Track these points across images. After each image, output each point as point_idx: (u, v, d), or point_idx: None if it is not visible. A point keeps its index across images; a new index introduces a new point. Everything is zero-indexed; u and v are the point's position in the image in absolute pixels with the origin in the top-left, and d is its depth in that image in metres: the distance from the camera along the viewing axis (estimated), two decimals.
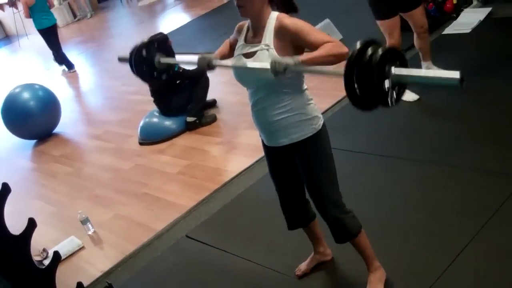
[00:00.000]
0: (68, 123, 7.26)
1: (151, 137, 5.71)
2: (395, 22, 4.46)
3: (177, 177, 4.86)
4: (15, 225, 3.88)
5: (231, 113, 5.66)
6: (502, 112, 4.04)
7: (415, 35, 4.65)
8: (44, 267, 3.56)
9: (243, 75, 2.57)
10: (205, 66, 2.68)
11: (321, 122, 2.59)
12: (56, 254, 3.95)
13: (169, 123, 5.70)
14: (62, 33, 15.37)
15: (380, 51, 1.85)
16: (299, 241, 3.12)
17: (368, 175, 3.89)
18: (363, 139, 4.37)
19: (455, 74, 1.76)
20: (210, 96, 5.86)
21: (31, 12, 9.81)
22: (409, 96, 4.61)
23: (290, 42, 2.40)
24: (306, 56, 2.29)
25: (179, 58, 3.16)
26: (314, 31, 2.38)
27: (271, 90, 2.49)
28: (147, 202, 4.63)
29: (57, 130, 7.04)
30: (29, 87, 6.97)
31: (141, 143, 5.78)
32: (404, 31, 4.59)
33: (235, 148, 5.04)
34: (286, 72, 2.23)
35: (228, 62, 2.71)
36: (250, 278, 3.30)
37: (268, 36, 2.44)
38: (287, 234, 3.07)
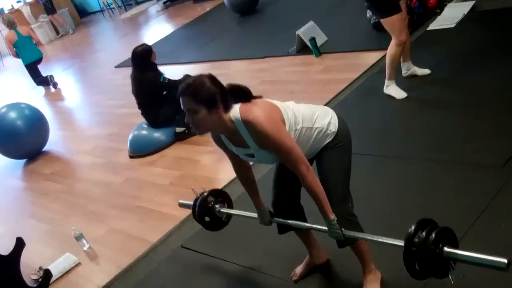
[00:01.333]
0: (56, 140, 7.24)
1: (141, 150, 5.70)
2: (402, 16, 4.41)
3: (169, 188, 4.86)
4: (9, 246, 3.88)
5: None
6: (490, 105, 4.06)
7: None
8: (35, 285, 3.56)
9: (259, 161, 2.68)
10: (267, 223, 2.95)
11: (334, 120, 2.64)
12: (47, 272, 3.94)
13: (158, 134, 5.69)
14: (46, 51, 15.34)
15: (434, 234, 2.14)
16: (295, 245, 3.12)
17: (359, 173, 3.87)
18: (353, 139, 4.37)
19: (502, 260, 1.97)
20: None
21: (16, 48, 10.03)
22: (398, 92, 4.63)
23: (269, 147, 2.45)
24: (323, 212, 2.51)
25: (237, 211, 3.33)
26: (283, 152, 2.41)
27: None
28: (141, 214, 4.62)
29: (46, 148, 7.01)
30: (15, 106, 6.94)
31: (131, 156, 5.77)
32: (381, 32, 4.58)
33: (226, 156, 5.03)
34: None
35: (288, 221, 2.85)
36: (248, 284, 3.30)
37: (250, 142, 2.45)
38: (282, 239, 3.07)
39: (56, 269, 4.15)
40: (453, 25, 5.58)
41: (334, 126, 2.61)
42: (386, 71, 4.65)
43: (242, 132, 2.42)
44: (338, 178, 2.66)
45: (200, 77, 2.40)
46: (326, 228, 2.57)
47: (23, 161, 6.94)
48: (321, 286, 3.08)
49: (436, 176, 3.53)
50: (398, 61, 4.61)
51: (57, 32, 16.63)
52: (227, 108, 2.40)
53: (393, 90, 4.66)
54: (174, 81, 5.60)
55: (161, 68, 5.73)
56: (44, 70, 10.98)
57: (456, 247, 2.17)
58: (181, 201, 3.64)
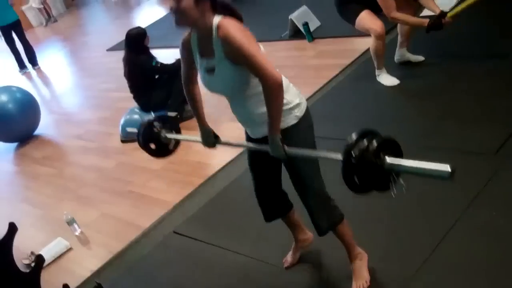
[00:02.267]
0: (48, 124, 7.21)
1: (133, 134, 5.67)
2: (368, 12, 4.47)
3: (161, 173, 4.85)
4: (2, 230, 3.86)
5: (212, 106, 5.60)
6: (482, 92, 4.07)
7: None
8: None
9: (212, 88, 2.52)
10: (211, 145, 2.86)
11: (303, 107, 2.54)
12: (39, 257, 3.93)
13: (150, 118, 5.65)
14: (37, 34, 15.23)
15: (375, 143, 2.01)
16: (287, 231, 3.12)
17: None
18: (345, 126, 4.38)
19: (446, 168, 1.91)
20: None
21: None
22: (390, 80, 4.63)
23: (235, 55, 2.29)
24: (272, 127, 2.35)
25: (183, 136, 3.28)
26: (252, 59, 2.25)
27: (241, 93, 2.45)
28: (133, 199, 4.61)
29: (37, 131, 6.98)
30: (6, 89, 6.89)
31: (123, 141, 5.75)
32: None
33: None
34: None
35: (232, 141, 2.81)
36: (239, 270, 3.30)
37: (217, 50, 2.32)
38: (274, 225, 3.07)
39: (47, 254, 4.14)
40: (447, 10, 5.55)
41: (300, 111, 2.52)
42: (374, 63, 4.67)
43: (214, 38, 2.30)
44: (309, 166, 2.60)
45: None
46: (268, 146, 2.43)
47: (14, 144, 6.91)
48: (312, 272, 3.09)
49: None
50: (382, 52, 4.59)
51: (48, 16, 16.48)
52: (213, 10, 2.31)
53: (384, 78, 4.67)
54: (166, 65, 5.58)
55: (153, 52, 5.70)
56: (37, 52, 10.91)
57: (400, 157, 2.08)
58: (128, 129, 3.49)
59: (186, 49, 2.53)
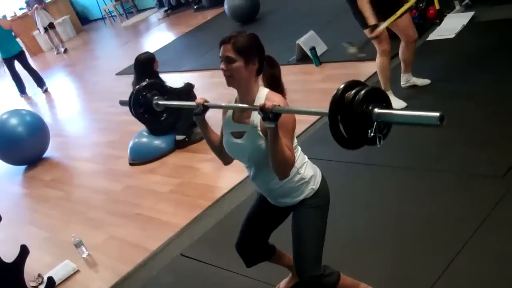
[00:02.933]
0: (57, 147, 7.24)
1: (141, 157, 5.71)
2: (381, 29, 4.48)
3: (169, 196, 4.86)
4: (9, 252, 3.88)
5: (220, 129, 5.67)
6: (488, 115, 4.08)
7: (402, 44, 4.69)
8: None
9: (235, 153, 2.58)
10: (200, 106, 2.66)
11: (319, 179, 2.58)
12: (50, 279, 3.94)
13: (158, 142, 5.70)
14: (47, 58, 15.39)
15: (362, 93, 1.91)
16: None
17: (359, 184, 3.91)
18: None
19: (435, 114, 1.80)
20: None
21: None
22: (397, 103, 4.64)
23: None
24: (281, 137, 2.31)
25: (176, 102, 3.20)
26: (288, 134, 2.37)
27: (263, 164, 2.48)
28: (140, 222, 4.62)
29: (46, 154, 7.01)
30: (16, 112, 6.95)
31: (131, 164, 5.77)
32: (392, 39, 4.63)
33: (226, 165, 5.04)
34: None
35: (222, 104, 2.70)
36: None
37: (255, 117, 2.40)
38: (280, 247, 3.07)
39: (55, 276, 4.15)
40: (452, 36, 5.61)
41: (316, 184, 2.56)
42: (381, 84, 4.70)
43: (259, 100, 2.40)
44: (312, 239, 2.58)
45: (247, 33, 2.45)
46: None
47: (23, 167, 6.94)
48: None
49: (436, 186, 3.53)
50: (388, 71, 4.63)
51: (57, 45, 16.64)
52: (259, 72, 2.46)
53: (391, 101, 4.67)
54: (175, 89, 5.62)
55: (162, 76, 5.75)
56: (45, 76, 11.03)
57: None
58: (120, 99, 3.34)
59: (223, 112, 2.64)
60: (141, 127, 5.88)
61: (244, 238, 2.87)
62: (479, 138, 3.86)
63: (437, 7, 6.20)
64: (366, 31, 4.49)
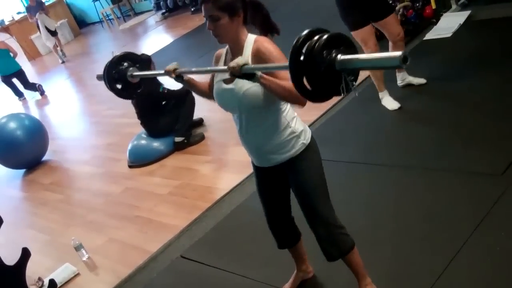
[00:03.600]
0: (56, 150, 7.24)
1: (140, 160, 5.71)
2: (368, 31, 4.50)
3: (168, 198, 4.86)
4: (8, 256, 3.88)
5: (218, 131, 5.68)
6: (486, 114, 4.08)
7: (390, 45, 4.69)
8: None
9: (225, 101, 2.54)
10: (171, 75, 2.68)
11: (309, 135, 2.59)
12: (52, 282, 3.94)
13: (157, 144, 5.70)
14: (45, 62, 15.40)
15: (323, 39, 1.83)
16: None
17: (359, 184, 3.91)
18: (351, 149, 4.40)
19: (397, 53, 1.67)
20: (196, 115, 5.88)
21: None
22: (393, 104, 4.66)
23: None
24: (269, 78, 2.28)
25: (150, 72, 3.12)
26: (281, 61, 2.35)
27: (253, 113, 2.48)
28: (140, 224, 4.62)
29: (45, 158, 7.02)
30: (15, 116, 6.96)
31: (130, 166, 5.77)
32: (380, 40, 4.64)
33: (225, 165, 5.06)
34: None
35: (193, 69, 2.77)
36: None
37: (248, 57, 2.42)
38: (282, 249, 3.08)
39: (55, 279, 4.14)
40: (449, 35, 5.61)
41: (306, 139, 2.57)
42: (375, 85, 4.72)
43: (247, 47, 2.44)
44: (317, 188, 2.60)
45: None
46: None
47: (22, 171, 6.95)
48: None
49: (435, 184, 3.54)
50: (378, 72, 4.63)
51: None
52: (246, 19, 2.46)
53: (386, 101, 4.71)
54: (173, 91, 5.63)
55: (160, 79, 5.75)
56: (43, 80, 11.04)
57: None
58: (97, 74, 3.21)
59: (216, 61, 2.66)
60: (139, 129, 5.89)
61: (267, 211, 2.88)
62: (477, 136, 3.86)
63: (434, 6, 6.21)
64: (354, 33, 4.51)
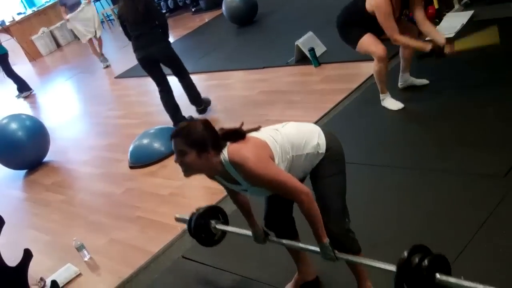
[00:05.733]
0: (57, 151, 7.24)
1: (141, 160, 5.71)
2: (369, 37, 4.52)
3: (169, 199, 4.86)
4: (10, 256, 3.88)
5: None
6: (489, 115, 4.08)
7: (401, 50, 4.72)
8: None
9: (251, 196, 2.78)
10: (261, 242, 3.03)
11: (323, 142, 2.63)
12: (54, 283, 3.94)
13: (158, 145, 5.70)
14: (46, 62, 15.39)
15: (426, 262, 2.15)
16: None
17: (360, 184, 3.90)
18: (352, 149, 4.38)
19: None
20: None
21: None
22: (395, 104, 4.66)
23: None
24: (317, 236, 2.53)
25: (232, 228, 3.36)
26: (279, 186, 2.44)
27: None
28: (141, 225, 4.62)
29: (46, 158, 7.01)
30: (16, 117, 6.95)
31: (131, 167, 5.78)
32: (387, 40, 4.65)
33: None
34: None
35: (282, 241, 2.92)
36: None
37: (242, 181, 2.51)
38: (282, 249, 3.07)
39: (57, 279, 4.14)
40: (452, 35, 5.60)
41: (322, 147, 2.62)
42: (378, 87, 4.72)
43: (232, 173, 2.48)
44: (335, 194, 2.66)
45: (194, 122, 2.49)
46: (319, 250, 2.60)
47: (23, 171, 6.95)
48: None
49: (437, 186, 3.54)
50: (384, 76, 4.64)
51: (58, 45, 16.65)
52: (218, 152, 2.47)
53: (388, 102, 4.70)
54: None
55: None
56: (46, 81, 11.04)
57: (449, 274, 2.21)
58: (177, 215, 3.66)
59: (214, 180, 2.74)
60: (140, 130, 5.90)
61: (269, 209, 2.95)
62: (480, 138, 3.86)
63: (436, 6, 6.21)
64: (358, 48, 4.57)
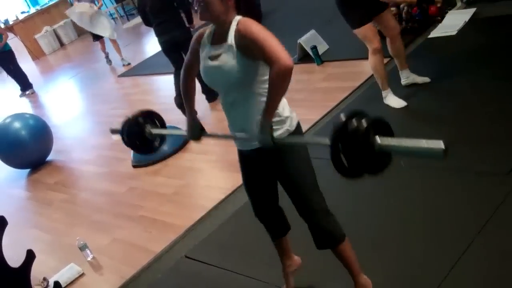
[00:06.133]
0: (60, 150, 7.25)
1: (144, 160, 5.70)
2: (370, 28, 4.50)
3: (172, 198, 4.86)
4: (13, 256, 3.88)
5: (221, 130, 5.67)
6: (492, 112, 4.06)
7: (388, 41, 4.69)
8: None
9: (211, 77, 2.52)
10: (196, 138, 2.81)
11: (294, 122, 2.54)
12: (57, 284, 3.95)
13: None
14: (49, 61, 15.41)
15: (364, 123, 1.89)
16: (297, 253, 3.12)
17: (363, 184, 3.88)
18: None
19: (439, 144, 1.78)
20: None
21: None
22: (397, 102, 4.64)
23: (249, 47, 2.34)
24: (267, 112, 2.33)
25: (168, 130, 3.22)
26: (267, 44, 2.27)
27: (240, 90, 2.45)
28: (144, 224, 4.62)
29: (50, 157, 7.02)
30: (19, 116, 6.96)
31: (134, 166, 5.77)
32: (383, 40, 4.64)
33: (229, 165, 5.03)
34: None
35: (218, 133, 2.83)
36: None
37: (230, 38, 2.38)
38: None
39: (60, 279, 4.15)
40: (454, 33, 5.59)
41: (292, 126, 2.52)
42: (378, 84, 4.71)
43: (231, 28, 2.38)
44: (305, 169, 2.58)
45: None
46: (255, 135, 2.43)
47: (26, 170, 6.95)
48: None
49: (440, 184, 3.52)
50: (382, 69, 4.63)
51: (61, 44, 16.67)
52: (237, 8, 2.41)
53: (390, 99, 4.68)
54: None
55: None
56: (49, 79, 11.05)
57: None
58: (112, 127, 3.31)
59: (197, 41, 2.58)
60: None
61: (254, 203, 2.88)
62: (482, 135, 3.84)
63: (438, 4, 6.19)
64: (356, 31, 4.50)
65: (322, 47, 6.61)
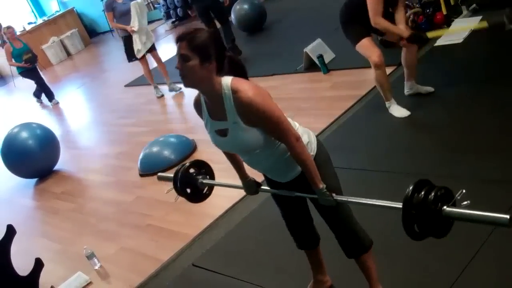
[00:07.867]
0: (67, 159, 7.28)
1: (151, 168, 5.72)
2: (369, 42, 4.55)
3: (179, 206, 4.83)
4: (21, 265, 3.90)
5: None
6: (497, 121, 4.06)
7: (404, 50, 4.70)
8: None
9: (226, 148, 2.59)
10: (253, 193, 2.95)
11: (314, 145, 2.57)
12: None
13: (168, 153, 5.72)
14: (56, 71, 15.48)
15: (433, 193, 2.08)
16: (306, 262, 3.12)
17: (370, 191, 3.89)
18: (362, 156, 4.40)
19: (505, 215, 1.97)
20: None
21: (14, 58, 10.71)
22: (401, 112, 4.65)
23: (258, 124, 2.36)
24: (312, 182, 2.44)
25: (220, 182, 3.31)
26: (267, 118, 2.32)
27: (259, 150, 2.47)
28: (151, 233, 4.63)
29: (57, 167, 7.05)
30: (26, 126, 6.99)
31: (141, 175, 5.79)
32: (387, 48, 4.65)
33: (236, 174, 5.05)
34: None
35: (273, 190, 2.80)
36: None
37: (231, 114, 2.34)
38: (293, 256, 3.07)
39: None
40: (460, 41, 5.60)
41: (313, 150, 2.55)
42: (382, 95, 4.72)
43: (226, 101, 2.32)
44: (334, 191, 2.57)
45: (205, 30, 2.35)
46: (316, 196, 2.51)
47: (34, 180, 6.98)
48: None
49: None
50: (386, 83, 4.65)
51: (68, 54, 16.75)
52: (220, 71, 2.33)
53: (394, 110, 4.69)
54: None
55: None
56: (56, 89, 11.12)
57: (454, 205, 2.16)
58: (160, 174, 3.52)
59: (198, 109, 2.56)
60: (151, 138, 5.91)
61: (286, 218, 2.93)
62: (488, 143, 3.84)
63: (444, 12, 6.21)
64: (357, 47, 4.60)
65: (328, 56, 6.63)
